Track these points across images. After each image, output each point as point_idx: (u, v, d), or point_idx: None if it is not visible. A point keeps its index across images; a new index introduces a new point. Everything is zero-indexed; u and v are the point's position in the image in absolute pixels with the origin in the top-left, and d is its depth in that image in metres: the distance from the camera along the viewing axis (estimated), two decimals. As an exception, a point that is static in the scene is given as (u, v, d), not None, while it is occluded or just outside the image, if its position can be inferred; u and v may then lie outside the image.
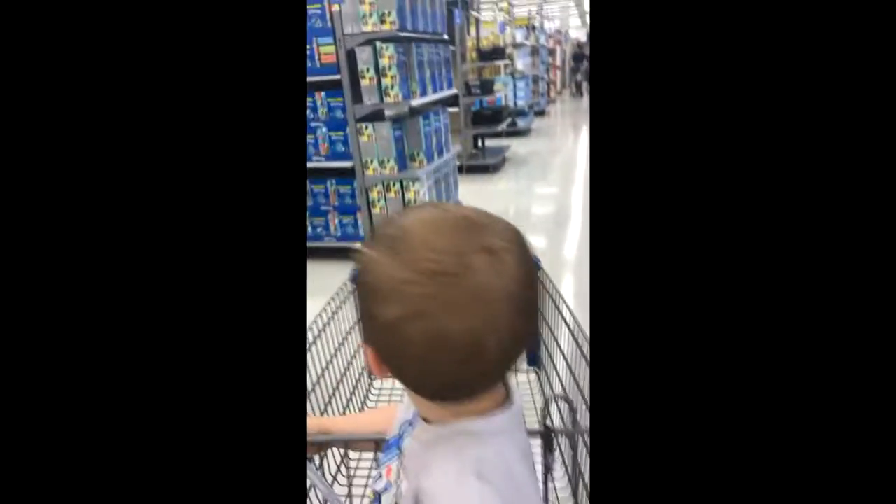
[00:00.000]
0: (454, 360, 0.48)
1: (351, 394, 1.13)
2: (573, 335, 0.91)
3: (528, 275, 0.50)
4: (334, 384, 1.04)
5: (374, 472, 0.65)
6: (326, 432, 0.78)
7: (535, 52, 9.47)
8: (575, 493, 0.74)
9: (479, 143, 6.33)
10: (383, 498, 0.60)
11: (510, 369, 0.52)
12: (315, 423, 0.79)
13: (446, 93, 3.74)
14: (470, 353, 0.47)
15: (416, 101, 3.21)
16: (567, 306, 0.98)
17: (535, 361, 1.31)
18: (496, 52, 6.72)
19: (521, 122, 7.81)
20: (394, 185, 3.20)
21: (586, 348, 0.83)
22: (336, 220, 3.36)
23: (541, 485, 0.69)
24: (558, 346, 1.03)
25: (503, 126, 6.22)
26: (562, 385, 0.99)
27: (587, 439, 0.72)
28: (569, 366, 0.93)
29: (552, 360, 1.11)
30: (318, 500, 0.80)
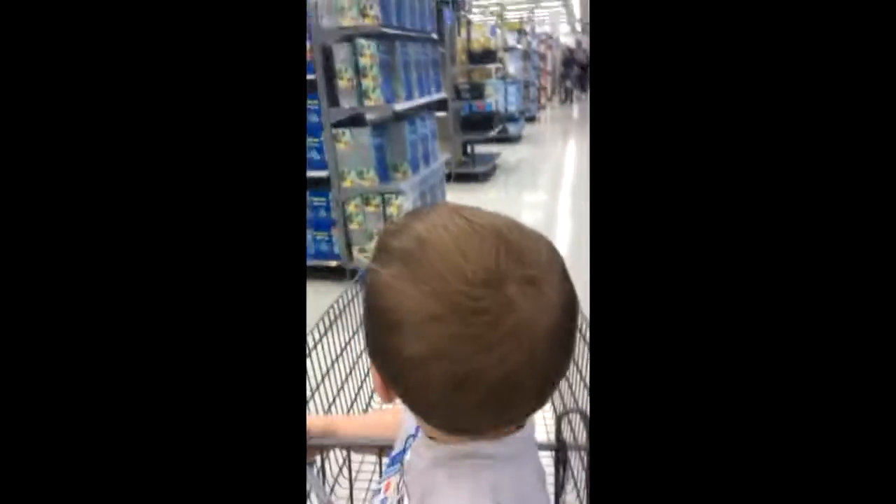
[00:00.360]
0: (484, 403, 0.43)
1: (356, 394, 1.08)
2: (585, 342, 0.86)
3: (570, 303, 0.44)
4: (339, 384, 0.99)
5: (375, 479, 0.60)
6: (332, 432, 0.74)
7: (526, 56, 9.22)
8: None
9: (469, 151, 6.04)
10: None
11: (545, 403, 0.47)
12: (321, 422, 0.75)
13: (434, 97, 3.43)
14: (503, 396, 0.42)
15: (401, 106, 2.88)
16: (581, 313, 0.92)
17: None
18: (487, 55, 6.41)
19: (511, 129, 7.53)
20: (374, 198, 2.87)
21: None
22: (309, 236, 3.02)
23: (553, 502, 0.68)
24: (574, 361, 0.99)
25: (494, 132, 5.93)
26: (573, 395, 0.94)
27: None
28: (580, 374, 0.88)
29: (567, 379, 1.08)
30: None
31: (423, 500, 0.50)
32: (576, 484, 0.74)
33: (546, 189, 5.37)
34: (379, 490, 0.59)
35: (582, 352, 0.87)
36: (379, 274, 0.43)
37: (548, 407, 1.11)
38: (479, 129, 5.82)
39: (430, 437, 0.51)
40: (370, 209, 2.88)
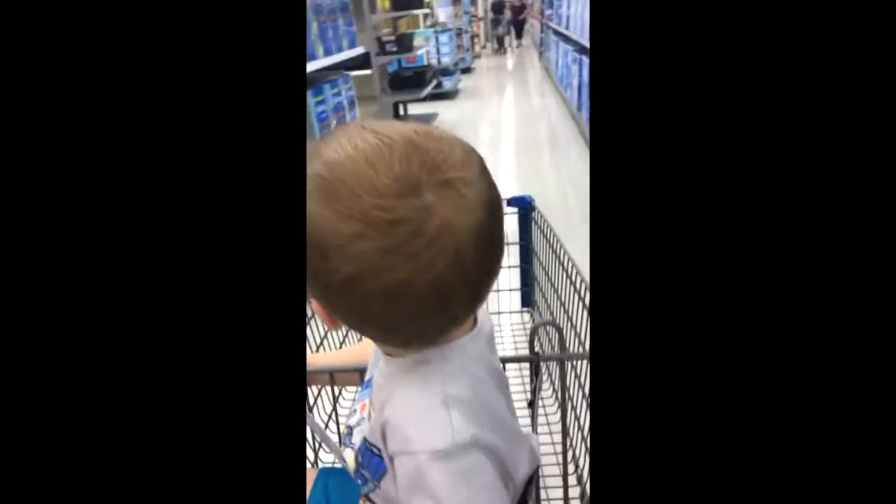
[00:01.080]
0: (421, 312, 0.43)
1: (344, 336, 1.10)
2: (568, 274, 0.89)
3: (492, 201, 0.44)
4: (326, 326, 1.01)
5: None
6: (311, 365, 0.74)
7: (457, 0, 8.44)
8: (563, 416, 0.73)
9: (402, 112, 5.37)
10: (355, 431, 0.58)
11: (481, 304, 0.48)
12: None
13: (348, 53, 2.75)
14: (437, 302, 0.43)
15: (301, 69, 2.21)
16: (561, 245, 0.97)
17: (528, 302, 1.30)
18: (413, 0, 5.64)
19: (447, 83, 6.87)
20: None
21: (582, 288, 0.83)
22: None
23: (527, 409, 0.72)
24: (552, 285, 1.02)
25: (428, 90, 5.26)
26: (549, 309, 1.00)
27: (575, 364, 0.77)
28: (561, 301, 0.92)
29: (546, 301, 1.10)
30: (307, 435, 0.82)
31: (383, 409, 0.50)
32: (554, 390, 0.84)
33: (489, 146, 4.84)
34: (355, 411, 0.60)
35: (563, 282, 0.92)
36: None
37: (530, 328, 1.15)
38: (410, 87, 5.14)
39: (388, 355, 0.52)
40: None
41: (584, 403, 0.78)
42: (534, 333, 0.69)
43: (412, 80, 5.18)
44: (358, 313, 0.44)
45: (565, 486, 0.76)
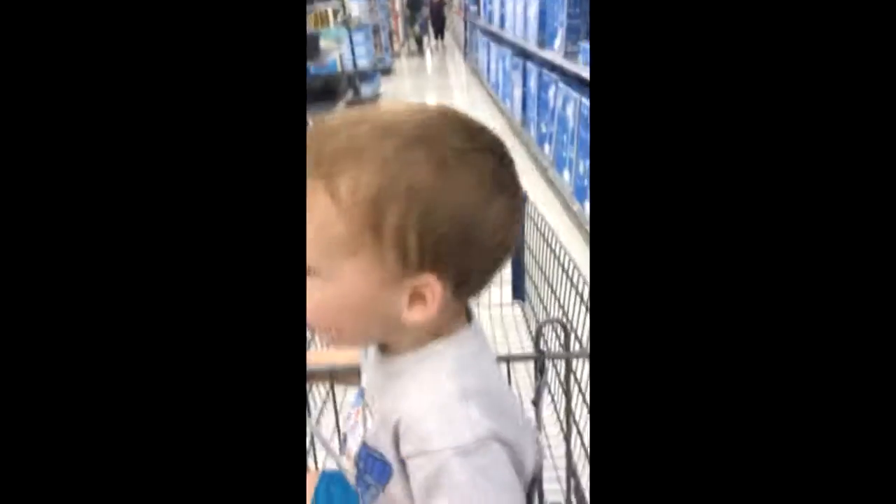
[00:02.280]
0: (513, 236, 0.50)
1: (311, 336, 1.13)
2: (565, 270, 0.92)
3: None
4: (309, 335, 1.01)
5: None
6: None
7: (371, -7, 7.51)
8: (568, 415, 0.75)
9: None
10: (349, 438, 0.58)
11: None
12: None
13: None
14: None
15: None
16: (558, 240, 1.00)
17: (519, 294, 1.29)
18: (320, -7, 4.67)
19: (366, 89, 5.95)
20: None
21: (575, 277, 0.88)
22: None
23: (531, 406, 0.72)
24: (543, 275, 1.06)
25: (345, 100, 4.34)
26: (561, 308, 0.98)
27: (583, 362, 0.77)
28: (557, 297, 0.94)
29: (539, 295, 1.12)
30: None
31: (394, 407, 0.49)
32: (557, 390, 0.83)
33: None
34: (350, 416, 0.60)
35: (552, 266, 0.99)
36: (451, 173, 0.43)
37: (522, 325, 1.27)
38: (322, 100, 4.21)
39: (387, 353, 0.53)
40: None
41: (579, 400, 0.78)
42: (539, 332, 0.70)
43: (323, 92, 4.25)
44: (492, 258, 0.47)
45: (569, 485, 0.78)
